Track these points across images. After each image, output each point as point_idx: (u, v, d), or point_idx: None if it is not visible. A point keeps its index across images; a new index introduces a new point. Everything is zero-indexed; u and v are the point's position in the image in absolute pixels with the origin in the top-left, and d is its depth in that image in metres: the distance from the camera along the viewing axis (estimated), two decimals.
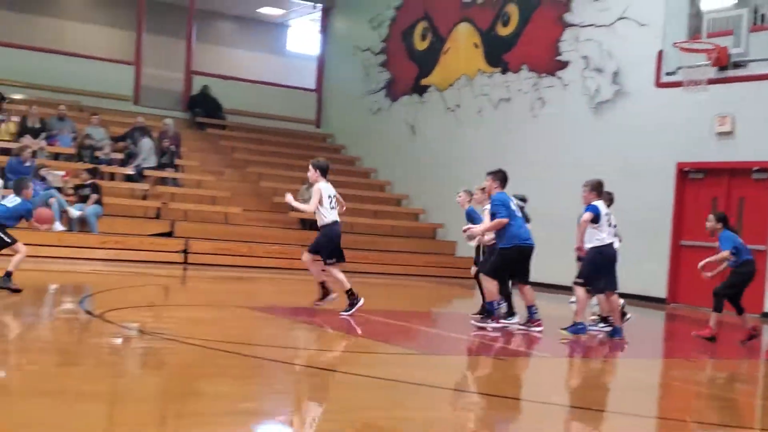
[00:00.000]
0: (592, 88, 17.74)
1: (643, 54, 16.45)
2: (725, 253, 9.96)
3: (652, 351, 10.41)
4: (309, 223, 19.76)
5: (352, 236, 19.65)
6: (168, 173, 19.52)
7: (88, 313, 9.12)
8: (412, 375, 7.09)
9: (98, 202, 17.08)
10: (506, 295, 10.13)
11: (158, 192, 18.89)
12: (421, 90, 22.13)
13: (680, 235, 16.07)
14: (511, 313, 10.21)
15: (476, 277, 10.37)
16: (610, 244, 9.75)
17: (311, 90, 25.74)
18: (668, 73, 15.85)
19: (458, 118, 20.87)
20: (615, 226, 10.09)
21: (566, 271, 15.13)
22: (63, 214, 16.55)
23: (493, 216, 9.65)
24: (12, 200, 10.31)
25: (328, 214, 10.12)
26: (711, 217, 10.24)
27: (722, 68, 14.78)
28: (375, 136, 23.14)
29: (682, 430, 5.78)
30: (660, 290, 16.01)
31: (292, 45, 27.12)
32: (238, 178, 21.18)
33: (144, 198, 18.71)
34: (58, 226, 16.30)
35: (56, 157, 18.81)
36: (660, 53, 15.98)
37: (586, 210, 9.59)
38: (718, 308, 9.99)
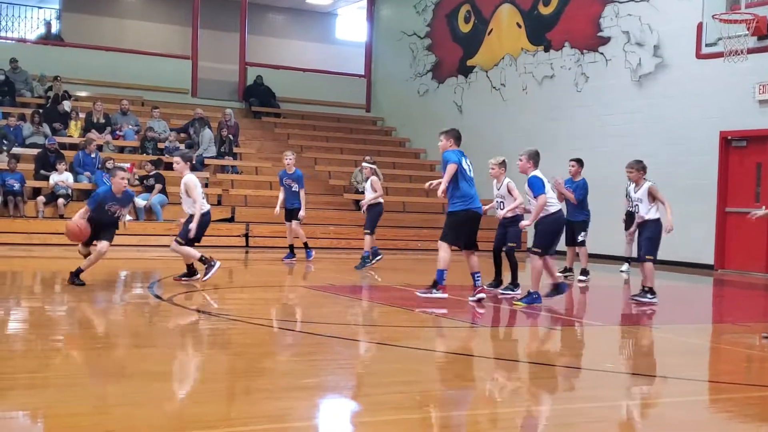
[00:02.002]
0: (633, 62, 17.43)
1: (683, 26, 16.09)
2: None
3: (703, 316, 10.23)
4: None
5: (404, 215, 19.65)
6: (227, 161, 19.70)
7: (158, 297, 9.25)
8: (469, 347, 7.07)
9: (162, 191, 17.31)
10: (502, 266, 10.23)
11: (219, 179, 19.07)
12: (466, 71, 21.97)
13: (725, 202, 15.75)
14: (499, 281, 10.22)
15: (495, 252, 10.39)
16: (560, 210, 9.51)
17: (360, 76, 25.71)
18: (708, 45, 15.48)
19: (504, 97, 20.69)
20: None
21: (617, 241, 14.97)
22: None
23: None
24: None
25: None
26: None
27: (761, 37, 14.39)
28: (423, 117, 23.04)
29: (736, 392, 5.67)
30: (708, 257, 15.73)
31: (341, 33, 27.08)
32: (295, 163, 21.24)
33: (205, 186, 18.87)
34: (126, 216, 16.56)
35: (121, 150, 19.09)
36: (699, 25, 15.60)
37: (530, 180, 9.22)
38: None
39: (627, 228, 13.78)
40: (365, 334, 7.62)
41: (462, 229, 9.18)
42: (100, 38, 23.00)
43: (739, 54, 14.25)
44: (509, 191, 10.19)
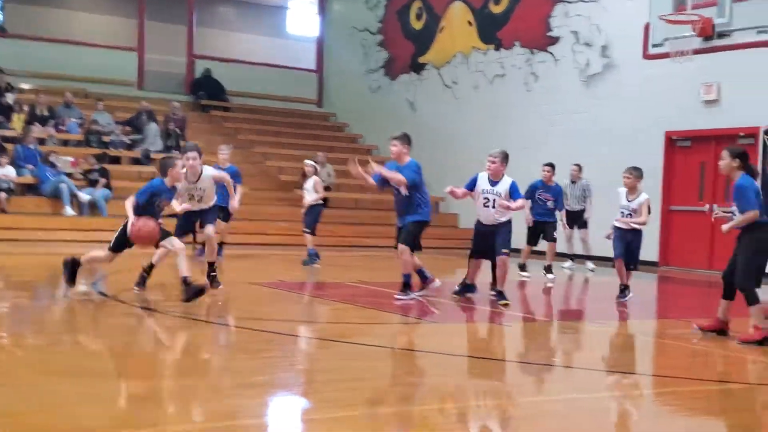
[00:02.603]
0: (582, 62, 17.69)
1: (631, 27, 16.38)
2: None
3: (646, 312, 10.45)
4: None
5: (357, 212, 19.69)
6: (174, 155, 19.48)
7: (102, 294, 9.14)
8: (420, 343, 7.13)
9: (107, 185, 17.09)
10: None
11: None
12: (418, 68, 22.07)
13: (670, 200, 16.10)
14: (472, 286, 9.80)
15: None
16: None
17: (312, 70, 25.65)
18: (655, 45, 15.80)
19: (455, 95, 20.84)
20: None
21: (561, 239, 15.19)
22: (73, 199, 16.58)
23: (414, 183, 9.16)
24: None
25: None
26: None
27: (707, 38, 14.73)
28: (376, 113, 23.09)
29: (680, 386, 5.82)
30: (652, 254, 16.05)
31: (292, 27, 26.97)
32: (243, 158, 21.11)
33: None
34: (69, 211, 16.34)
35: (65, 143, 18.80)
36: (647, 26, 15.92)
37: (513, 190, 9.21)
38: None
39: (568, 226, 14.48)
40: (315, 331, 7.64)
41: (420, 234, 9.26)
42: (45, 29, 22.58)
43: (685, 55, 14.56)
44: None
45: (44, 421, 4.28)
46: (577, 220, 14.50)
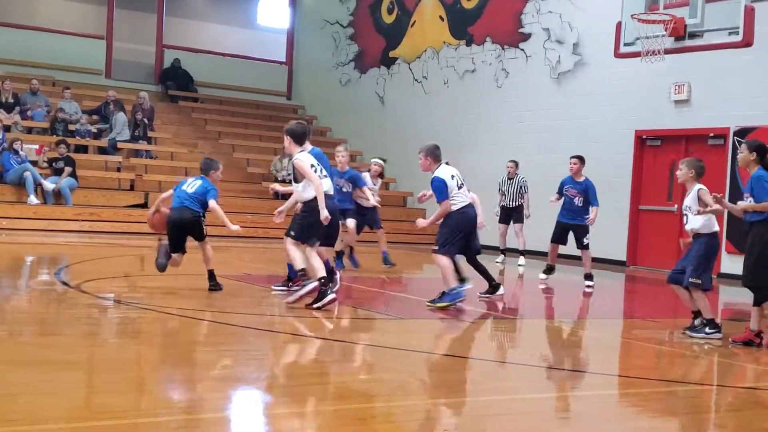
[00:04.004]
0: (553, 59, 17.76)
1: (602, 25, 16.44)
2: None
3: (614, 311, 10.51)
4: (282, 193, 19.67)
5: None
6: (141, 146, 19.32)
7: (65, 284, 9.03)
8: (385, 339, 7.11)
9: (72, 174, 16.88)
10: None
11: (132, 164, 18.70)
12: (389, 62, 22.03)
13: (639, 200, 16.21)
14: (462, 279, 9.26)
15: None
16: (468, 205, 8.76)
17: (282, 62, 25.53)
18: (626, 44, 15.82)
19: (426, 90, 20.83)
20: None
21: (535, 236, 15.26)
22: (38, 188, 16.37)
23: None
24: (192, 183, 8.93)
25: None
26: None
27: (679, 38, 14.80)
28: (345, 107, 23.03)
29: (645, 387, 5.85)
30: (620, 253, 16.16)
31: (262, 18, 26.78)
32: (211, 149, 20.98)
33: (118, 170, 18.51)
34: (33, 200, 16.12)
35: (30, 131, 18.55)
36: (618, 24, 15.95)
37: (433, 184, 8.58)
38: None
39: (500, 221, 14.80)
40: (279, 325, 7.59)
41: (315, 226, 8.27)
42: (10, 15, 22.22)
43: (656, 54, 14.65)
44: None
45: (7, 411, 4.19)
46: (512, 215, 14.77)
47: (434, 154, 8.73)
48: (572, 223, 11.74)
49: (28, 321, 7.08)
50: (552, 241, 11.98)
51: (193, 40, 24.64)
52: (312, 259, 8.01)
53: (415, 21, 21.38)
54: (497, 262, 14.81)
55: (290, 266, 8.94)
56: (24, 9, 22.92)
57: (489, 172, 16.46)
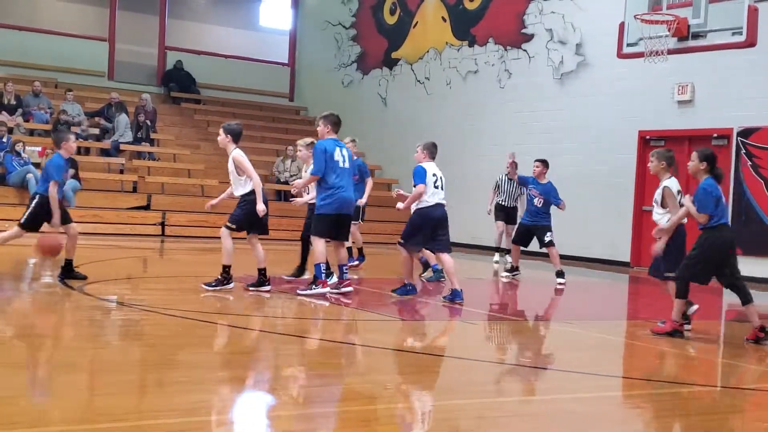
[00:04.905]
0: (556, 60, 17.74)
1: (605, 26, 16.40)
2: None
3: (617, 313, 10.49)
4: (284, 194, 19.66)
5: None
6: (144, 147, 19.32)
7: (68, 286, 9.01)
8: (388, 340, 7.10)
9: (76, 176, 16.86)
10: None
11: (135, 166, 18.70)
12: (391, 63, 22.02)
13: (642, 200, 16.18)
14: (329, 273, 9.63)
15: (303, 240, 10.03)
16: (435, 206, 9.09)
17: (284, 64, 25.53)
18: (629, 44, 15.80)
19: (428, 91, 20.81)
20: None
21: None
22: None
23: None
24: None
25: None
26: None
27: (682, 39, 14.77)
28: (347, 108, 22.93)
29: (647, 388, 5.83)
30: (624, 254, 16.13)
31: (265, 20, 26.77)
32: (213, 151, 20.96)
33: (121, 172, 18.51)
34: None
35: (32, 133, 18.55)
36: (621, 25, 15.93)
37: (415, 170, 9.10)
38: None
39: (497, 219, 14.60)
40: (282, 327, 7.57)
41: (330, 223, 8.93)
42: (12, 16, 22.24)
43: (659, 54, 14.62)
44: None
45: (6, 415, 4.18)
46: (509, 215, 14.64)
47: (430, 151, 9.35)
48: (532, 224, 12.13)
49: (30, 323, 7.07)
50: (513, 242, 12.50)
51: (195, 41, 24.65)
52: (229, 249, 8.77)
53: (417, 22, 21.37)
54: (494, 261, 14.82)
55: (317, 266, 9.06)
56: (26, 11, 22.93)
57: (492, 174, 16.41)
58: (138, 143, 19.26)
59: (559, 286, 11.78)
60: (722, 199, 7.60)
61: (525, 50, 18.43)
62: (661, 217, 8.04)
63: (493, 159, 17.83)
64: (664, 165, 8.09)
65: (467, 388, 5.53)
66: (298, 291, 9.03)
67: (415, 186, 9.07)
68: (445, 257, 9.28)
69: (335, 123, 9.25)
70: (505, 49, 18.87)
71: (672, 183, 8.04)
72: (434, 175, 9.15)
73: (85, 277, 9.14)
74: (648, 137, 16.16)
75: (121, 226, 16.38)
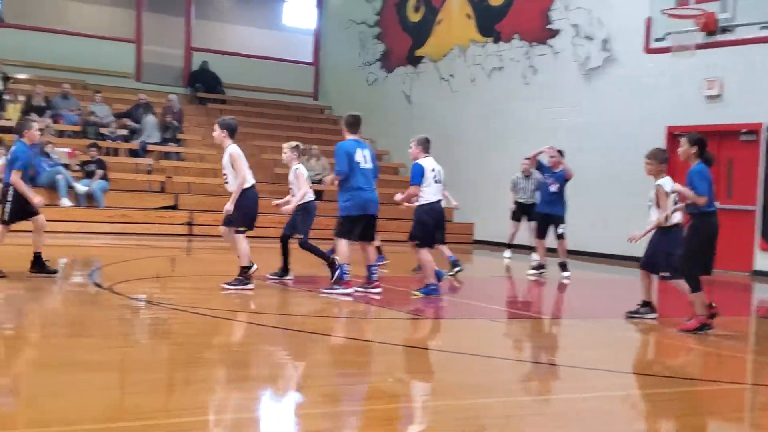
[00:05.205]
0: (582, 56, 17.62)
1: (632, 21, 16.31)
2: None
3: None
4: (315, 194, 19.69)
5: None
6: (171, 148, 19.46)
7: (97, 285, 9.10)
8: (416, 339, 7.10)
9: (104, 177, 17.05)
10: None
11: (162, 166, 18.84)
12: (415, 61, 22.00)
13: None
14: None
15: (283, 240, 9.95)
16: (438, 202, 9.18)
17: (308, 63, 25.58)
18: (657, 39, 15.72)
19: (452, 88, 20.77)
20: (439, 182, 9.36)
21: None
22: (70, 190, 16.54)
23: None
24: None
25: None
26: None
27: (710, 33, 14.66)
28: (372, 106, 22.98)
29: (674, 387, 5.79)
30: None
31: (289, 19, 26.86)
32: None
33: (148, 173, 18.66)
34: (66, 202, 16.29)
35: (61, 134, 18.75)
36: (649, 20, 15.84)
37: (413, 167, 9.11)
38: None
39: (513, 218, 14.82)
40: (308, 325, 7.59)
41: (354, 224, 8.96)
42: (41, 19, 22.48)
43: (687, 50, 14.50)
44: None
45: (36, 414, 4.23)
46: (527, 213, 14.61)
47: (424, 146, 9.32)
48: (548, 213, 12.25)
49: (61, 323, 7.15)
50: (537, 238, 12.50)
51: (220, 42, 24.78)
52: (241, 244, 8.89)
53: (441, 19, 21.32)
54: (505, 257, 14.87)
55: (369, 267, 9.12)
56: (54, 13, 23.16)
57: (517, 171, 16.37)
58: (165, 144, 19.41)
59: (564, 280, 11.90)
60: (712, 184, 7.66)
61: (550, 46, 18.33)
62: (656, 216, 8.19)
63: (519, 157, 17.75)
64: (661, 166, 8.34)
65: (493, 386, 5.52)
66: (322, 290, 9.05)
67: (411, 185, 9.07)
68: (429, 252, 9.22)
69: (351, 123, 9.17)
70: (531, 45, 18.77)
71: (666, 182, 8.15)
72: (433, 170, 9.15)
73: (55, 271, 9.18)
74: (676, 133, 15.99)
75: (149, 225, 16.52)
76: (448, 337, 7.35)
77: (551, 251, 12.65)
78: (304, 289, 9.68)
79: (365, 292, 9.04)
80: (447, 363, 6.14)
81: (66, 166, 16.92)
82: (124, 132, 19.33)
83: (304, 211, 9.80)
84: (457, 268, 11.31)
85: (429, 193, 9.08)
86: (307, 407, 4.78)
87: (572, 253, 14.85)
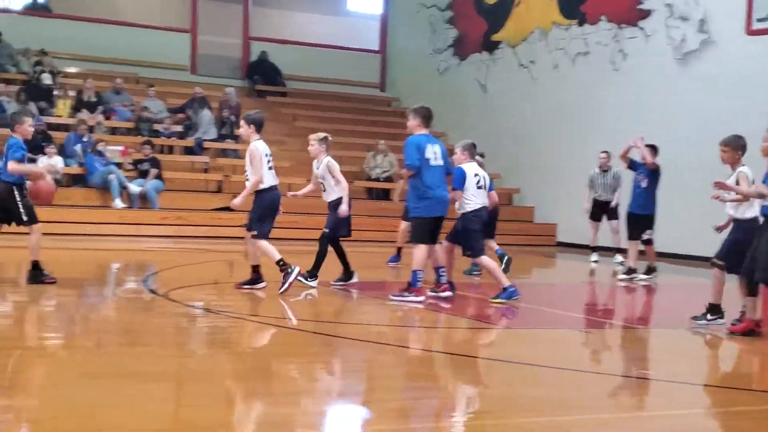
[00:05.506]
0: (677, 38, 17.34)
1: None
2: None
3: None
4: (376, 192, 19.81)
5: None
6: (228, 145, 19.68)
7: (152, 292, 9.31)
8: (494, 350, 7.09)
9: (158, 177, 17.34)
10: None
11: (219, 165, 19.10)
12: (491, 46, 21.90)
13: None
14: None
15: (332, 243, 9.96)
16: (483, 208, 9.27)
17: (375, 51, 25.66)
18: (760, 20, 15.40)
19: (533, 75, 20.63)
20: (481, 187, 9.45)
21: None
22: (123, 191, 16.85)
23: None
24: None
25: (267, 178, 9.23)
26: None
27: None
28: (443, 97, 22.96)
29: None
30: None
31: (353, 4, 27.02)
32: (300, 147, 21.23)
33: (205, 171, 18.95)
34: (119, 204, 16.64)
35: (114, 131, 19.12)
36: None
37: (455, 172, 9.19)
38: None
39: (592, 218, 14.68)
40: (377, 335, 7.64)
41: (428, 226, 9.01)
42: (92, 9, 22.99)
43: None
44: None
45: (88, 426, 4.36)
46: (607, 211, 14.51)
47: (471, 151, 9.49)
48: (640, 213, 12.27)
49: (114, 331, 7.33)
50: (630, 239, 12.42)
51: (280, 30, 25.00)
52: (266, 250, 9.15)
53: (520, 0, 21.20)
54: (592, 261, 14.68)
55: (437, 269, 9.19)
56: (104, 2, 23.65)
57: (594, 167, 16.17)
58: (222, 140, 19.67)
59: (643, 282, 11.92)
60: None
61: (641, 28, 18.09)
62: (734, 206, 8.24)
63: (605, 148, 17.56)
64: (738, 155, 8.43)
65: (578, 401, 5.49)
66: (391, 296, 9.10)
67: (453, 190, 9.15)
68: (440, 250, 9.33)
69: (426, 117, 9.14)
70: (619, 28, 18.55)
71: (747, 171, 8.23)
72: (476, 175, 9.27)
73: (54, 281, 8.99)
74: None
75: (206, 228, 16.77)
76: (526, 348, 7.32)
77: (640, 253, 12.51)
78: (370, 296, 9.74)
79: (436, 296, 9.07)
80: (526, 376, 6.12)
81: (118, 165, 17.24)
82: (179, 128, 19.62)
83: (339, 206, 9.87)
84: (506, 258, 11.34)
85: (474, 200, 9.16)
86: (376, 423, 4.82)
87: (667, 255, 14.64)
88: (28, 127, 9.02)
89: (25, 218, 8.85)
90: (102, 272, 11.83)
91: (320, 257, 9.79)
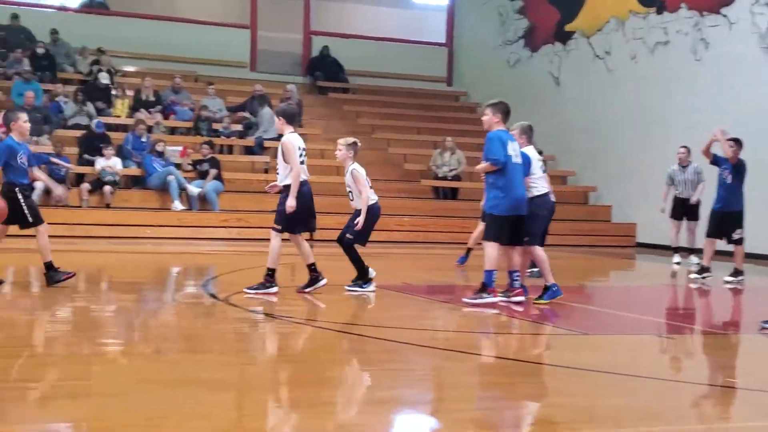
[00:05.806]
0: (762, 26, 17.02)
1: None
2: None
3: None
4: (443, 192, 19.77)
5: None
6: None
7: (213, 296, 9.42)
8: (568, 357, 7.02)
9: (218, 177, 17.52)
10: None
11: None
12: (564, 37, 21.73)
13: None
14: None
15: (340, 242, 9.97)
16: (549, 193, 9.44)
17: (441, 44, 25.64)
18: None
19: (609, 67, 20.42)
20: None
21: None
22: (182, 192, 17.05)
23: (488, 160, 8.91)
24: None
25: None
26: None
27: None
28: (514, 91, 22.80)
29: None
30: None
31: None
32: (364, 145, 21.03)
33: (265, 171, 19.10)
34: (178, 205, 16.86)
35: (172, 131, 19.38)
36: None
37: (522, 158, 9.09)
38: None
39: (673, 216, 14.52)
40: (444, 341, 7.63)
41: (504, 225, 8.96)
42: (149, 6, 23.40)
43: None
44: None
45: None
46: (688, 210, 14.33)
47: (528, 135, 9.55)
48: (725, 210, 12.04)
49: (174, 337, 7.43)
50: (708, 236, 12.25)
51: (342, 24, 25.12)
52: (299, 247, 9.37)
53: None
54: (675, 263, 14.46)
55: (511, 273, 9.14)
56: (162, 0, 24.03)
57: (673, 163, 15.93)
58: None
59: (728, 285, 11.74)
60: None
61: (725, 15, 17.79)
62: None
63: (688, 144, 17.29)
64: None
65: (659, 411, 5.40)
66: (464, 299, 9.07)
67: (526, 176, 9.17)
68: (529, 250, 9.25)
69: (506, 112, 9.23)
70: (701, 15, 18.27)
71: None
72: (539, 159, 9.43)
73: (69, 275, 9.22)
74: None
75: (267, 230, 16.83)
76: (605, 355, 7.23)
77: (725, 254, 12.29)
78: (439, 300, 9.72)
79: (507, 301, 9.02)
80: (606, 385, 6.05)
81: (177, 166, 17.46)
82: (239, 127, 19.82)
83: (368, 214, 9.87)
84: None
85: (540, 184, 9.25)
86: None
87: (751, 256, 14.34)
88: (23, 123, 9.17)
89: (30, 220, 9.01)
90: (161, 276, 12.00)
91: (357, 262, 9.85)
